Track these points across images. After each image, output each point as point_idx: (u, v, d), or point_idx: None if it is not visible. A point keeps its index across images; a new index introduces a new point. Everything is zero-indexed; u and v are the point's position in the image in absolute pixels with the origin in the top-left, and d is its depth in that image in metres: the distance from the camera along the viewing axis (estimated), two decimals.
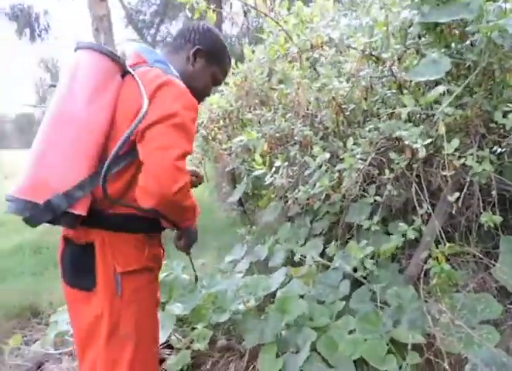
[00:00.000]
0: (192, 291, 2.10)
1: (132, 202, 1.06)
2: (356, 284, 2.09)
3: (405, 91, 1.83)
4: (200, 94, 1.24)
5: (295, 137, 2.29)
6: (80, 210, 1.01)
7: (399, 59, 1.87)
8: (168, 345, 2.02)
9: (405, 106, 1.53)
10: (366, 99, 2.07)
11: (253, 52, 2.75)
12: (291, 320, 1.88)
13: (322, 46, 2.06)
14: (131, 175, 1.07)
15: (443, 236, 1.79)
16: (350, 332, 1.83)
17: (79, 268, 1.12)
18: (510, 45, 1.68)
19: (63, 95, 1.01)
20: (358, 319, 1.85)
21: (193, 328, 2.05)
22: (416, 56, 1.83)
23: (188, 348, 1.95)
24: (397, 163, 1.70)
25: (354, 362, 1.72)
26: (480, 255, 1.77)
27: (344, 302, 2.01)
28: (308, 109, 2.32)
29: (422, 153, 1.50)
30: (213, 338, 2.05)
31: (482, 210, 1.76)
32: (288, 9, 2.23)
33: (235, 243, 3.16)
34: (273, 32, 2.28)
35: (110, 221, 1.09)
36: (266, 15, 2.14)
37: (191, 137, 1.05)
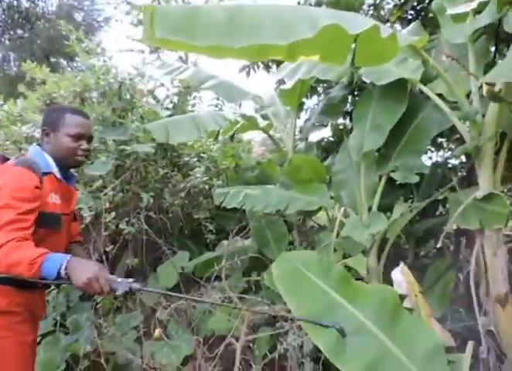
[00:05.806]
0: None
1: None
2: None
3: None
4: (70, 156, 1.54)
5: None
6: None
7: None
8: None
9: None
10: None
11: None
12: None
13: None
14: None
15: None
16: None
17: None
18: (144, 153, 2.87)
19: None
20: (43, 344, 2.45)
21: None
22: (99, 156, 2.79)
23: None
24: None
25: None
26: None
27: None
28: None
29: (88, 219, 2.39)
30: None
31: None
32: None
33: None
34: None
35: None
36: None
37: (13, 208, 1.32)
